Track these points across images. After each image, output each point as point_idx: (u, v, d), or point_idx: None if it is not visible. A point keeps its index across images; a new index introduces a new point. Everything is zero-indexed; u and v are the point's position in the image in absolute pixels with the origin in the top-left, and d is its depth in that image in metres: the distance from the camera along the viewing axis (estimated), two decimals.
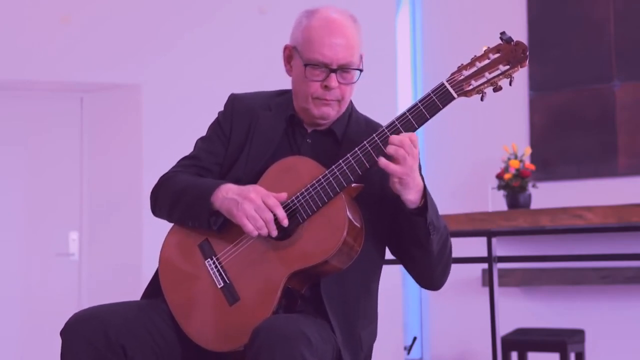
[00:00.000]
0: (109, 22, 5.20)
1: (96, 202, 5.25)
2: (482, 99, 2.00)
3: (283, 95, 2.25)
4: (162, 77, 5.20)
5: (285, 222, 2.00)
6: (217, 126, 2.24)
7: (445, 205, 5.68)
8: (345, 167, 1.99)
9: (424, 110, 1.98)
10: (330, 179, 2.00)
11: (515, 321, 4.95)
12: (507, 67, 1.98)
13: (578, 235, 4.98)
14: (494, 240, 3.25)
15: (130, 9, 5.24)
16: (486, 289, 3.93)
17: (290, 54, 2.17)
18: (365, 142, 2.00)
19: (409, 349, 5.68)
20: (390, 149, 1.95)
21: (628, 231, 3.84)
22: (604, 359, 4.97)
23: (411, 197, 1.99)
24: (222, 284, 2.04)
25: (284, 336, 1.82)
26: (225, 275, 2.04)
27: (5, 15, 5.07)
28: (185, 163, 2.23)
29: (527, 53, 1.99)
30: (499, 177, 5.20)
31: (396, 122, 1.99)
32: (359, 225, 2.02)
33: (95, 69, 5.18)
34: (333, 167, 2.01)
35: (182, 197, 2.11)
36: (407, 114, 1.98)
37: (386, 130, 1.99)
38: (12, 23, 5.08)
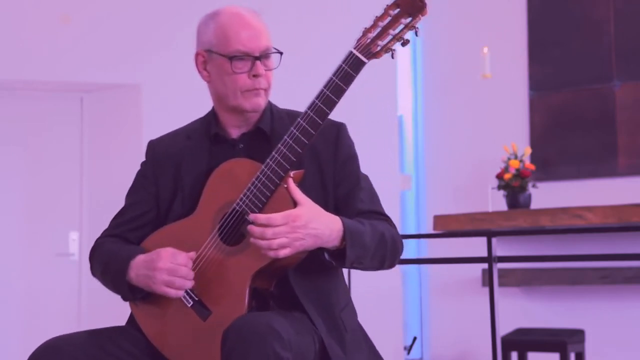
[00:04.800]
0: (109, 22, 5.19)
1: (96, 202, 5.25)
2: (392, 57, 2.03)
3: (199, 119, 2.28)
4: (162, 77, 5.20)
5: (191, 276, 2.02)
6: (140, 177, 2.28)
7: (445, 205, 5.71)
8: (279, 158, 2.00)
9: (339, 82, 2.00)
10: (268, 172, 2.01)
11: (515, 321, 4.95)
12: (409, 19, 2.00)
13: (578, 235, 4.98)
14: (494, 240, 3.25)
15: (130, 9, 5.24)
16: (486, 289, 3.92)
17: (204, 59, 2.18)
18: (292, 128, 2.01)
19: (409, 349, 5.68)
20: (261, 244, 1.94)
21: (628, 231, 3.84)
22: (604, 359, 4.97)
23: (325, 246, 1.99)
24: (192, 302, 2.04)
25: (254, 334, 1.81)
26: (192, 293, 2.04)
27: (5, 15, 5.07)
28: (115, 223, 2.28)
29: (425, 1, 2.00)
30: (499, 177, 5.20)
31: (316, 101, 2.01)
32: None
33: (95, 69, 5.18)
34: (268, 160, 2.01)
35: (105, 279, 2.18)
36: (325, 89, 2.00)
37: (309, 112, 2.01)
38: (12, 23, 5.08)
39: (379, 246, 2.06)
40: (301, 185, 2.04)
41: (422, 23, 2.03)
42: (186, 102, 5.18)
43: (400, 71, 5.85)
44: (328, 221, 1.99)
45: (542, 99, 5.60)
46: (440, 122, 5.92)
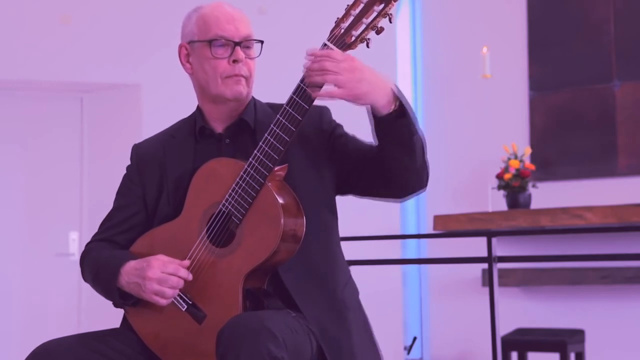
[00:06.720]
0: (109, 22, 5.20)
1: (96, 202, 5.25)
2: (367, 46, 1.97)
3: (183, 119, 2.29)
4: (162, 77, 5.20)
5: (189, 278, 2.02)
6: (126, 180, 2.29)
7: (445, 205, 5.70)
8: (261, 157, 1.99)
9: None
10: (252, 172, 1.99)
11: (515, 321, 4.95)
12: (382, 5, 1.93)
13: (578, 235, 4.98)
14: (494, 240, 3.25)
15: (129, 9, 5.24)
16: (486, 289, 3.92)
17: (187, 52, 2.22)
18: (272, 125, 1.99)
19: (409, 349, 5.68)
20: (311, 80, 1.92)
21: (628, 231, 3.84)
22: (604, 359, 4.97)
23: (379, 101, 1.94)
24: (186, 306, 2.04)
25: (247, 333, 1.81)
26: (186, 297, 2.04)
27: (5, 15, 5.07)
28: (104, 227, 2.27)
29: None
30: (499, 177, 5.20)
31: (294, 97, 1.98)
32: (295, 207, 2.03)
33: (95, 69, 5.18)
34: (250, 159, 2.00)
35: (96, 285, 2.21)
36: (301, 84, 1.97)
37: (287, 108, 1.98)
38: (12, 23, 5.08)
39: (420, 135, 2.07)
40: (291, 177, 2.03)
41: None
42: (186, 102, 5.18)
43: (400, 71, 5.85)
44: (380, 75, 1.96)
45: (542, 99, 5.59)
46: (440, 122, 5.91)
